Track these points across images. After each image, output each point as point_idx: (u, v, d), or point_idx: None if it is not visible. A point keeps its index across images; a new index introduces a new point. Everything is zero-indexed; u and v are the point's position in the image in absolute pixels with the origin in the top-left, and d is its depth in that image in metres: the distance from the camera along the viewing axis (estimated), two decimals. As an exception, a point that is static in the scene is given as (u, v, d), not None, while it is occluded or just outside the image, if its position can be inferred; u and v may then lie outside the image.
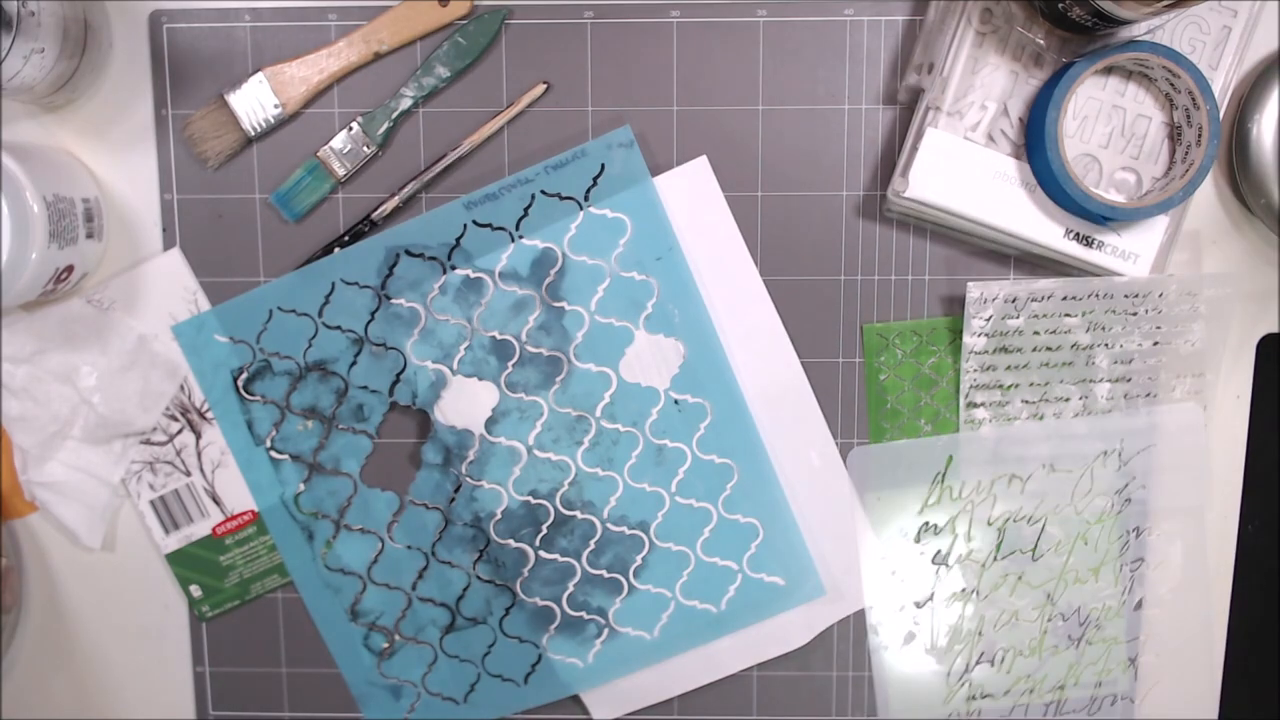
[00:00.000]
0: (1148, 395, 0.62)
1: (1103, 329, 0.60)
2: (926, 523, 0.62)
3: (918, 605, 0.63)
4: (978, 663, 0.63)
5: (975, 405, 0.61)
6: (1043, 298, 0.60)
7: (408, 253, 0.60)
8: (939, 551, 0.63)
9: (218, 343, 0.61)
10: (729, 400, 0.61)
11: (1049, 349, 0.61)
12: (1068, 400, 0.61)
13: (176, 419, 0.62)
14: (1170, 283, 0.60)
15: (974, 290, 0.59)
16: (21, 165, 0.53)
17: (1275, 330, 0.62)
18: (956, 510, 0.62)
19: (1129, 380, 0.61)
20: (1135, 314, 0.60)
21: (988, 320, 0.60)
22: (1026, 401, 0.62)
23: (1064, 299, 0.60)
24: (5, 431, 0.62)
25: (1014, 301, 0.60)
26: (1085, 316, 0.60)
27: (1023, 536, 0.63)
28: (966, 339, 0.60)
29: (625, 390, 0.61)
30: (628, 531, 0.62)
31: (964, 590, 0.63)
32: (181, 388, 0.61)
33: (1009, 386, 0.61)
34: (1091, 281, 0.60)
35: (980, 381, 0.61)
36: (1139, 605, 0.63)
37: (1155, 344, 0.61)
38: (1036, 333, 0.60)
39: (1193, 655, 0.64)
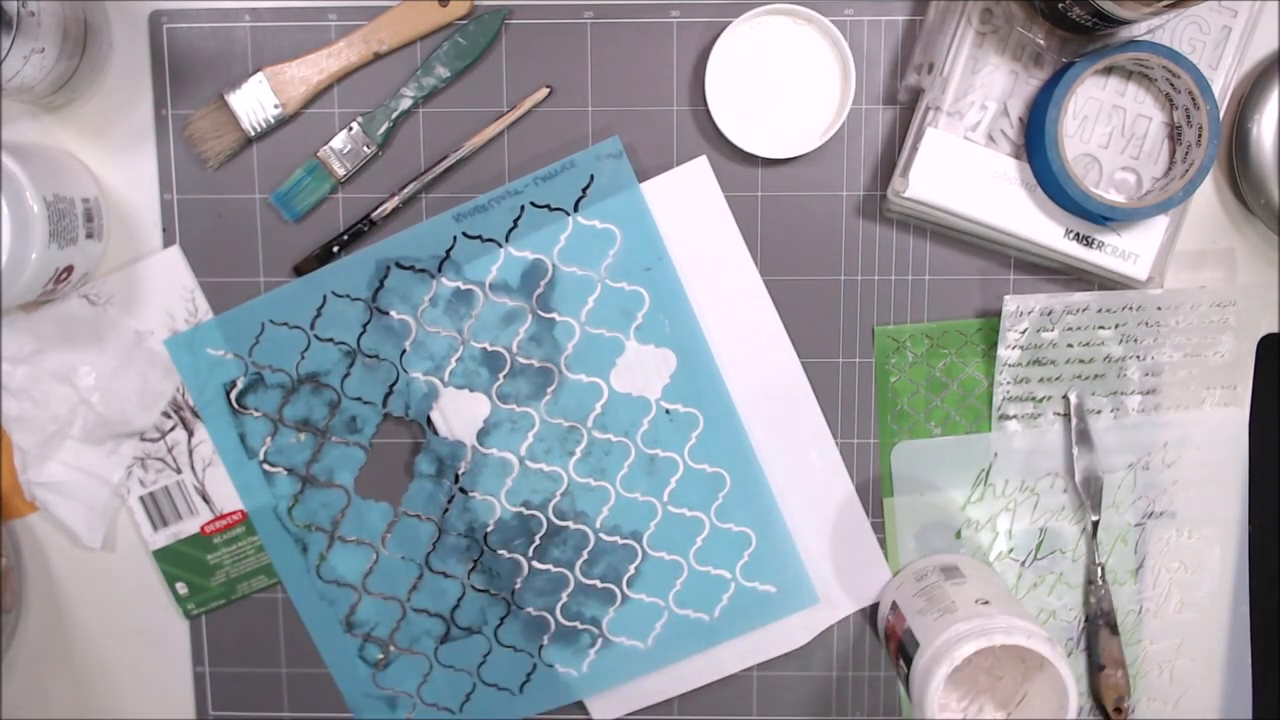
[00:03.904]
0: (1178, 407, 0.62)
1: (1135, 341, 0.60)
2: (968, 519, 0.62)
3: None
4: None
5: (1008, 417, 0.61)
6: (1078, 310, 0.60)
7: (398, 265, 0.60)
8: (979, 548, 0.63)
9: (210, 356, 0.61)
10: (720, 409, 0.61)
11: (1081, 361, 0.61)
12: (1099, 413, 0.62)
13: (170, 416, 0.62)
14: (1203, 295, 0.60)
15: (1010, 303, 0.59)
16: (21, 165, 0.53)
17: (1275, 330, 0.62)
18: (998, 508, 0.62)
19: (1159, 392, 0.61)
20: (1166, 325, 0.60)
21: (1023, 333, 0.60)
22: (1058, 414, 0.62)
23: (1098, 311, 0.60)
24: (5, 431, 0.62)
25: (1049, 314, 0.60)
26: (1118, 329, 0.60)
27: (1063, 537, 0.63)
28: (1001, 351, 0.60)
29: (616, 400, 0.61)
30: (620, 541, 0.62)
31: None
32: (178, 386, 0.61)
33: (1041, 399, 0.61)
34: (1126, 294, 0.60)
35: (1013, 394, 0.61)
36: (1176, 609, 0.63)
37: (1185, 355, 0.61)
38: (1070, 345, 0.60)
39: (1227, 660, 0.64)
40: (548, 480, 0.62)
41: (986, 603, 0.56)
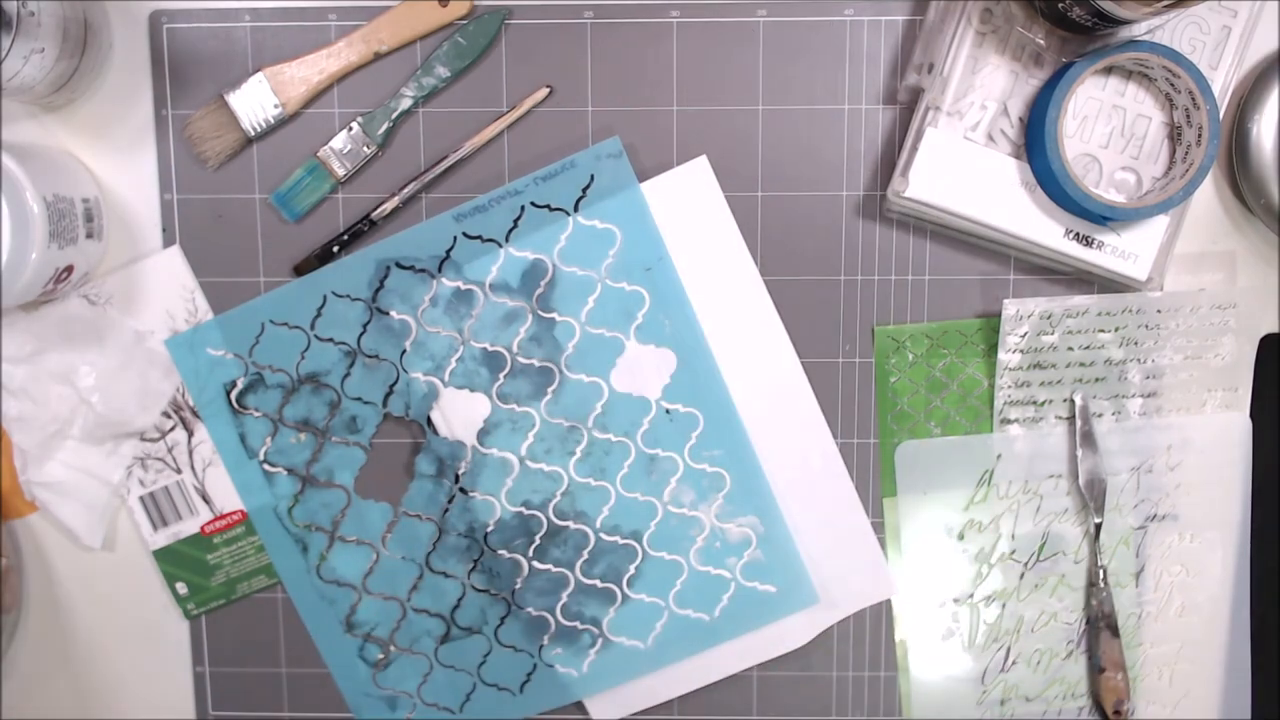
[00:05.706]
0: (1179, 410, 0.62)
1: (1135, 344, 0.61)
2: (971, 520, 0.63)
3: (956, 602, 0.63)
4: (1013, 663, 0.63)
5: (1009, 421, 0.61)
6: (1078, 313, 0.60)
7: (398, 265, 0.60)
8: (981, 549, 0.63)
9: (210, 356, 0.61)
10: (720, 409, 0.61)
11: (1082, 364, 0.61)
12: (1100, 416, 0.62)
13: (170, 416, 0.62)
14: (1203, 298, 0.60)
15: (1009, 307, 0.60)
16: (21, 165, 0.53)
17: (1275, 330, 0.62)
18: (1002, 509, 0.62)
19: (1160, 395, 0.61)
20: (1166, 328, 0.60)
21: (1023, 336, 0.60)
22: (1060, 417, 0.62)
23: (1098, 314, 0.60)
24: (5, 431, 0.62)
25: (1049, 318, 0.60)
26: (1118, 332, 0.60)
27: (1065, 540, 0.63)
28: (1001, 355, 0.60)
29: (617, 400, 0.61)
30: (620, 541, 0.62)
31: (1004, 589, 0.63)
32: (178, 386, 0.61)
33: (1042, 403, 0.61)
34: (1126, 297, 0.60)
35: (1014, 398, 0.61)
36: (1177, 612, 0.63)
37: (1186, 358, 0.61)
38: (1070, 348, 0.60)
39: (1227, 664, 0.64)
40: (548, 480, 0.62)
41: None
